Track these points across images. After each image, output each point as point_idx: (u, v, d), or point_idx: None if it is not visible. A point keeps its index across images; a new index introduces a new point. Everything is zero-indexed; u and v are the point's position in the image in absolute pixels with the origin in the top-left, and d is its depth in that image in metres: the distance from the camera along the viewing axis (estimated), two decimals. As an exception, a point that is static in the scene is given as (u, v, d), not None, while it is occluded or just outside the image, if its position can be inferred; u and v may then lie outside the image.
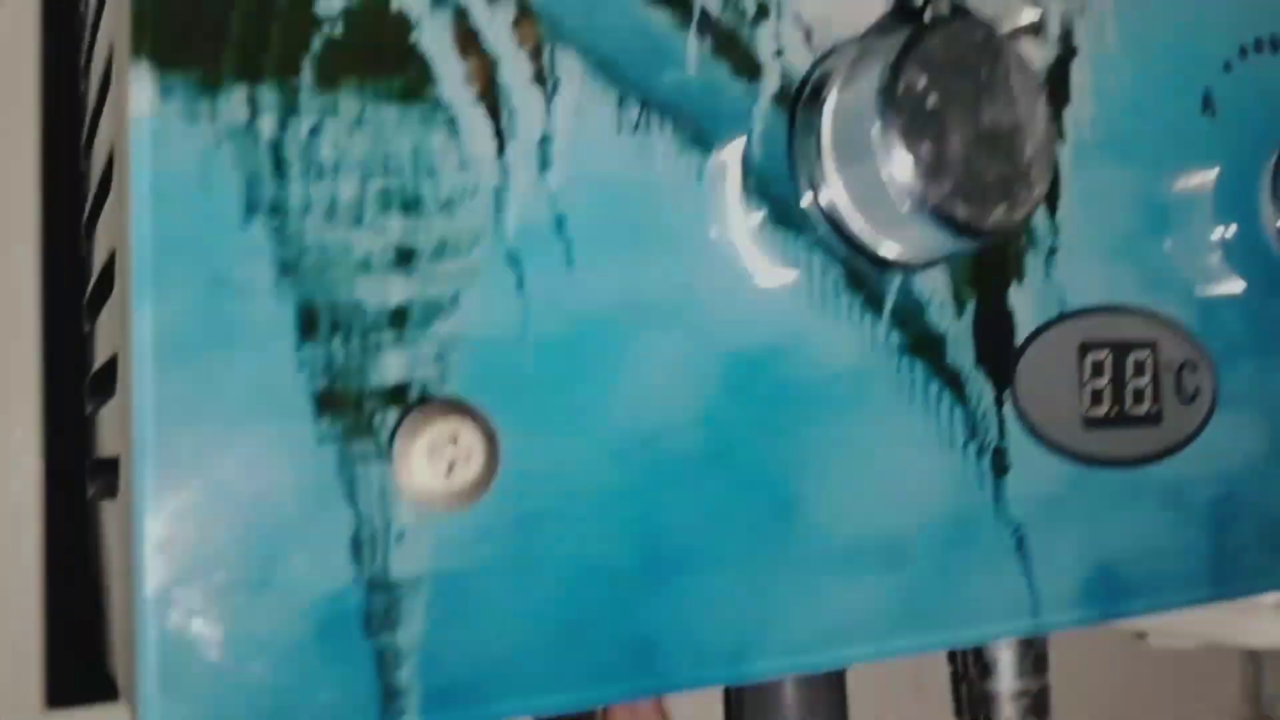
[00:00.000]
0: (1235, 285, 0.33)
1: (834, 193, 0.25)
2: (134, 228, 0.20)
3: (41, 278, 0.37)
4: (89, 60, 0.31)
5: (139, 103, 0.20)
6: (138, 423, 0.20)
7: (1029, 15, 0.30)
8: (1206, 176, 0.33)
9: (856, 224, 0.25)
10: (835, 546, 0.26)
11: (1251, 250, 0.34)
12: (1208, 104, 0.33)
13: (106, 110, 0.27)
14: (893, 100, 0.24)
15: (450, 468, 0.22)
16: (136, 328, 0.20)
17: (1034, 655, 0.43)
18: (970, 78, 0.24)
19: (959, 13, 0.28)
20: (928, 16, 0.27)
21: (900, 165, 0.24)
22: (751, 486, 0.25)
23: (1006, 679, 0.43)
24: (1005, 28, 0.29)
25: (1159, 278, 0.32)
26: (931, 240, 0.25)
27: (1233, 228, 0.33)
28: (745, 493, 0.25)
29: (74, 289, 0.34)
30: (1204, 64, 0.33)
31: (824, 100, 0.25)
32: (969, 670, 0.43)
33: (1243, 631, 0.43)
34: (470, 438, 0.22)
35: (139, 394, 0.20)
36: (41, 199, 0.37)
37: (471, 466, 0.22)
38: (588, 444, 0.24)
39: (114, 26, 0.23)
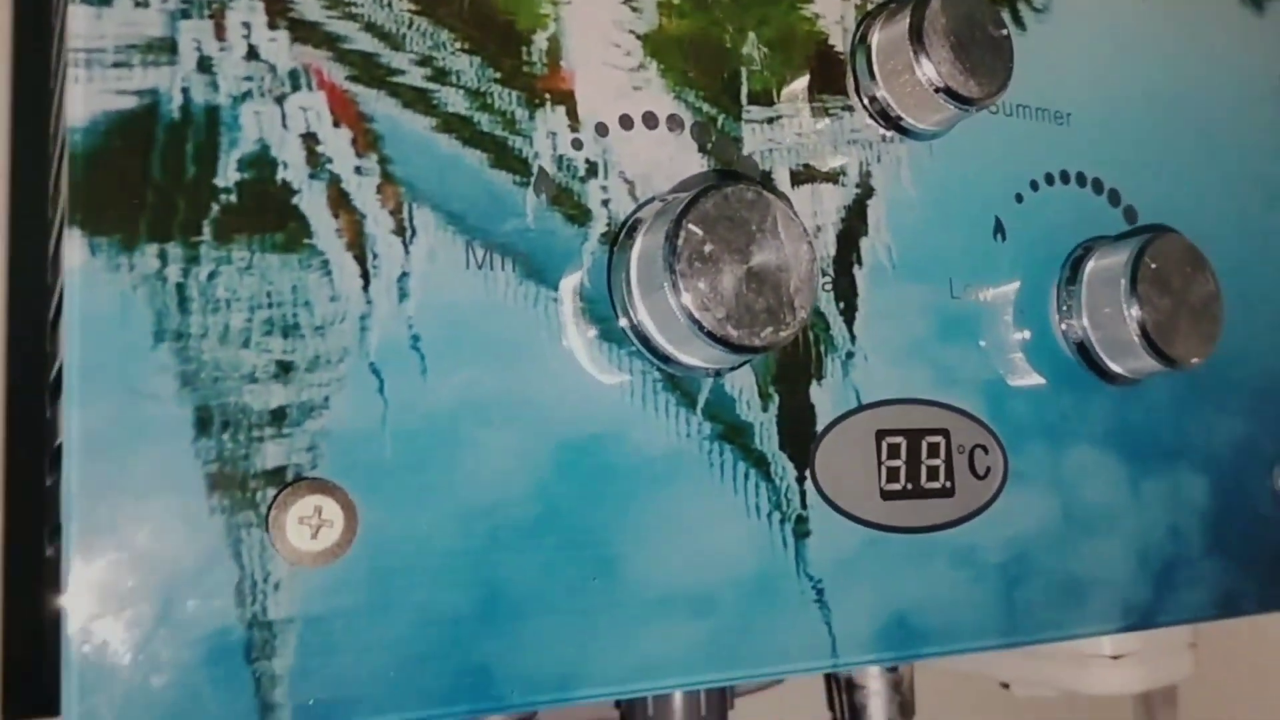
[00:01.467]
0: (1028, 380, 0.38)
1: (641, 316, 0.30)
2: (65, 352, 0.25)
3: (7, 373, 0.43)
4: (54, 198, 0.37)
5: (71, 258, 0.25)
6: (65, 496, 0.25)
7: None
8: (999, 290, 0.38)
9: (658, 341, 0.30)
10: (650, 597, 0.31)
11: (1042, 351, 0.38)
12: (999, 230, 0.38)
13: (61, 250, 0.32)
14: (675, 247, 0.29)
15: (316, 532, 0.27)
16: (66, 426, 0.25)
17: (899, 702, 0.47)
18: (742, 229, 0.29)
19: (735, 177, 0.33)
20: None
21: (683, 297, 0.29)
22: (576, 547, 0.30)
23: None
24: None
25: (953, 376, 0.37)
26: (714, 355, 0.30)
27: (1026, 331, 0.38)
28: (571, 552, 0.30)
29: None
30: (996, 196, 0.38)
31: (633, 243, 0.30)
32: (844, 714, 0.48)
33: (1083, 680, 0.47)
34: (332, 510, 0.27)
35: (67, 475, 0.25)
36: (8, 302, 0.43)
37: (333, 532, 0.27)
38: (435, 514, 0.29)
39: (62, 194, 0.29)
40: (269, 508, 0.27)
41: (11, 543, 0.42)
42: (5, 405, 0.43)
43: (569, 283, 0.31)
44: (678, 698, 0.45)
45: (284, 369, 0.27)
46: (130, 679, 0.25)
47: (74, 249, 0.26)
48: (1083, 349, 0.38)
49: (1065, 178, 0.40)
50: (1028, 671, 0.49)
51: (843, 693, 0.49)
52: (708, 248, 0.29)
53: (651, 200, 0.32)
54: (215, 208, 0.27)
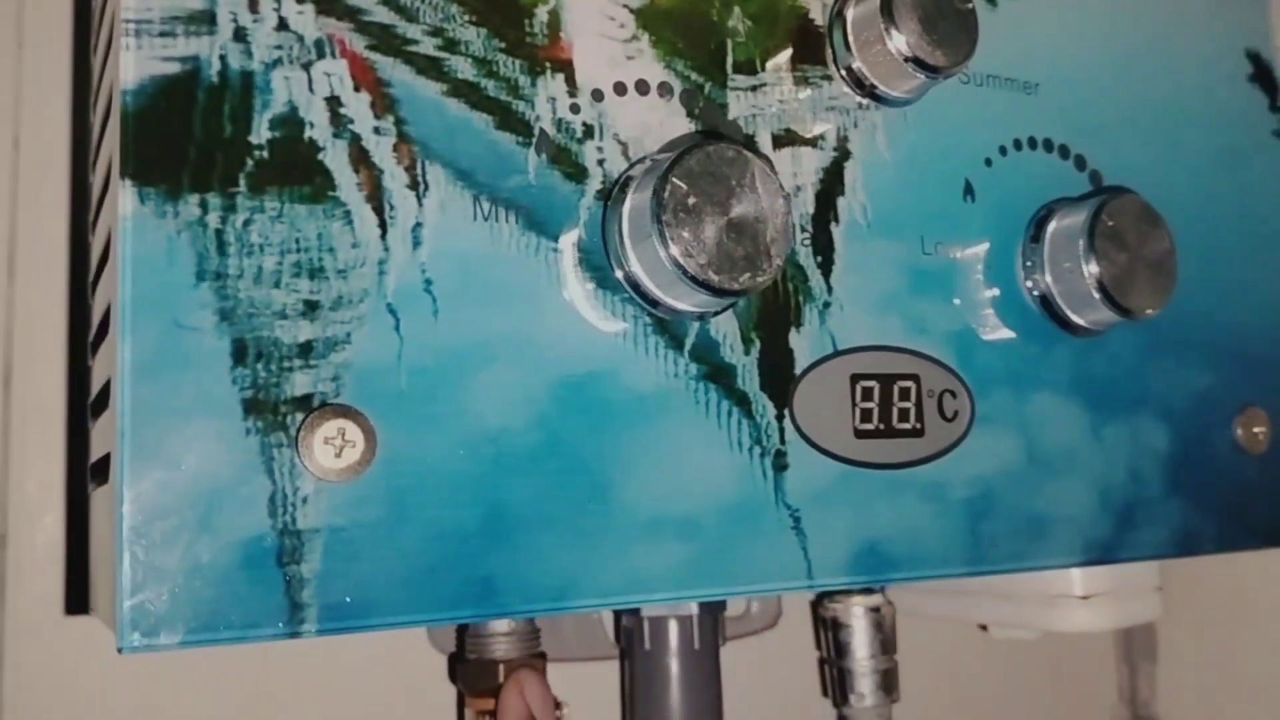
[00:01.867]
0: (996, 331, 0.41)
1: (632, 265, 0.34)
2: (119, 288, 0.29)
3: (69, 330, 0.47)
4: (95, 164, 0.40)
5: (124, 206, 0.29)
6: (119, 420, 0.28)
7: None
8: (967, 247, 0.41)
9: (648, 287, 0.34)
10: (640, 520, 0.34)
11: (1009, 305, 0.41)
12: (969, 192, 0.41)
13: (105, 205, 0.36)
14: (661, 200, 0.32)
15: (340, 452, 0.30)
16: (119, 356, 0.29)
17: (880, 640, 0.50)
18: (723, 184, 0.33)
19: (716, 136, 0.36)
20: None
21: (668, 245, 0.32)
22: (574, 473, 0.33)
23: (859, 658, 0.50)
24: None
25: (923, 326, 0.40)
26: (698, 299, 0.33)
27: (994, 287, 0.41)
28: (568, 477, 0.33)
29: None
30: (966, 160, 0.41)
31: (625, 198, 0.34)
32: (830, 653, 0.51)
33: (1054, 620, 0.50)
34: (354, 432, 0.30)
35: (121, 400, 0.28)
36: (70, 265, 0.47)
37: (355, 452, 0.30)
38: (445, 440, 0.32)
39: (110, 151, 0.32)
40: (298, 430, 0.30)
41: (76, 474, 0.46)
42: (68, 362, 0.46)
43: (567, 235, 0.34)
44: (673, 636, 0.48)
45: (311, 307, 0.31)
46: (175, 578, 0.28)
47: (125, 198, 0.29)
48: (1045, 302, 0.41)
49: (1033, 144, 0.43)
50: (1003, 613, 0.52)
51: (829, 631, 0.52)
52: (691, 200, 0.32)
53: (643, 160, 0.35)
54: (250, 162, 0.30)
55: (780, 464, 0.36)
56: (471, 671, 0.46)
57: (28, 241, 0.47)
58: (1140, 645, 0.68)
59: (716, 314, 0.35)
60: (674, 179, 0.32)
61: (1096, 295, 0.39)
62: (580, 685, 0.51)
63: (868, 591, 0.51)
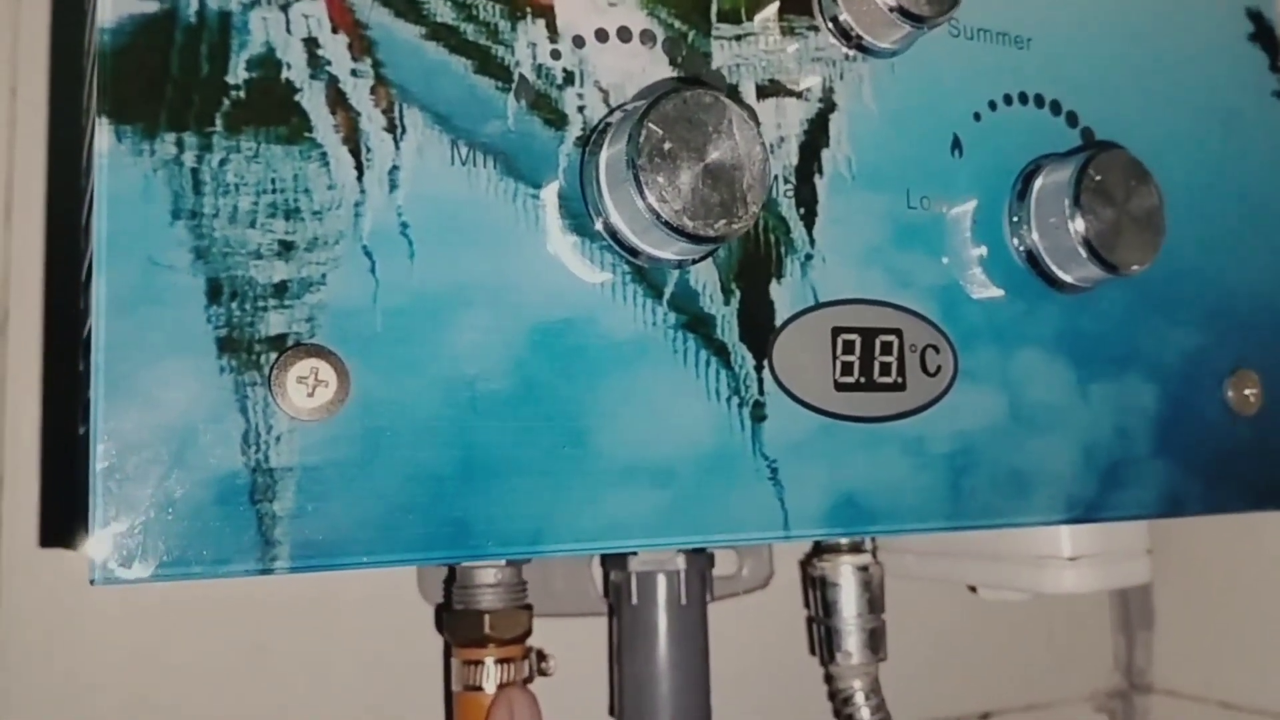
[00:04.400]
0: (982, 287, 0.41)
1: (609, 211, 0.34)
2: (95, 225, 0.29)
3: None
4: (88, 108, 0.41)
5: (101, 143, 0.29)
6: (95, 354, 0.29)
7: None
8: (954, 202, 0.41)
9: (625, 234, 0.34)
10: (616, 466, 0.35)
11: (996, 261, 0.41)
12: (956, 146, 0.41)
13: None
14: (636, 145, 0.32)
15: (313, 391, 0.31)
16: (95, 291, 0.29)
17: (868, 598, 0.50)
18: (699, 129, 0.33)
19: (697, 81, 0.36)
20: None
21: (644, 190, 0.32)
22: (549, 418, 0.34)
23: (847, 616, 0.50)
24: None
25: (907, 280, 0.40)
26: (674, 246, 0.34)
27: (981, 243, 0.41)
28: (544, 422, 0.34)
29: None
30: (955, 114, 0.41)
31: (603, 145, 0.34)
32: (818, 611, 0.51)
33: (1042, 580, 0.51)
34: (328, 372, 0.31)
35: (96, 336, 0.29)
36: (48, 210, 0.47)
37: (328, 391, 0.31)
38: (420, 382, 0.32)
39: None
40: (271, 368, 0.30)
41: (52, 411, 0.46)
42: (44, 299, 0.47)
43: (547, 182, 0.35)
44: (661, 591, 0.49)
45: (286, 248, 0.31)
46: (147, 512, 0.29)
47: (103, 136, 0.29)
48: (1032, 259, 0.41)
49: (1024, 99, 0.43)
50: (991, 574, 0.52)
51: (817, 590, 0.52)
52: (667, 146, 0.32)
53: (616, 109, 0.35)
54: (226, 102, 0.31)
55: (758, 414, 0.37)
56: (458, 621, 0.46)
57: (24, 189, 0.48)
58: (1137, 612, 0.69)
59: (695, 262, 0.36)
60: (649, 124, 0.32)
61: (1082, 251, 0.39)
62: (568, 640, 0.52)
63: (856, 550, 0.52)
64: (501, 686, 0.45)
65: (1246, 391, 0.46)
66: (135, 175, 0.30)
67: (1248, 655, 0.63)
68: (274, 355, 0.31)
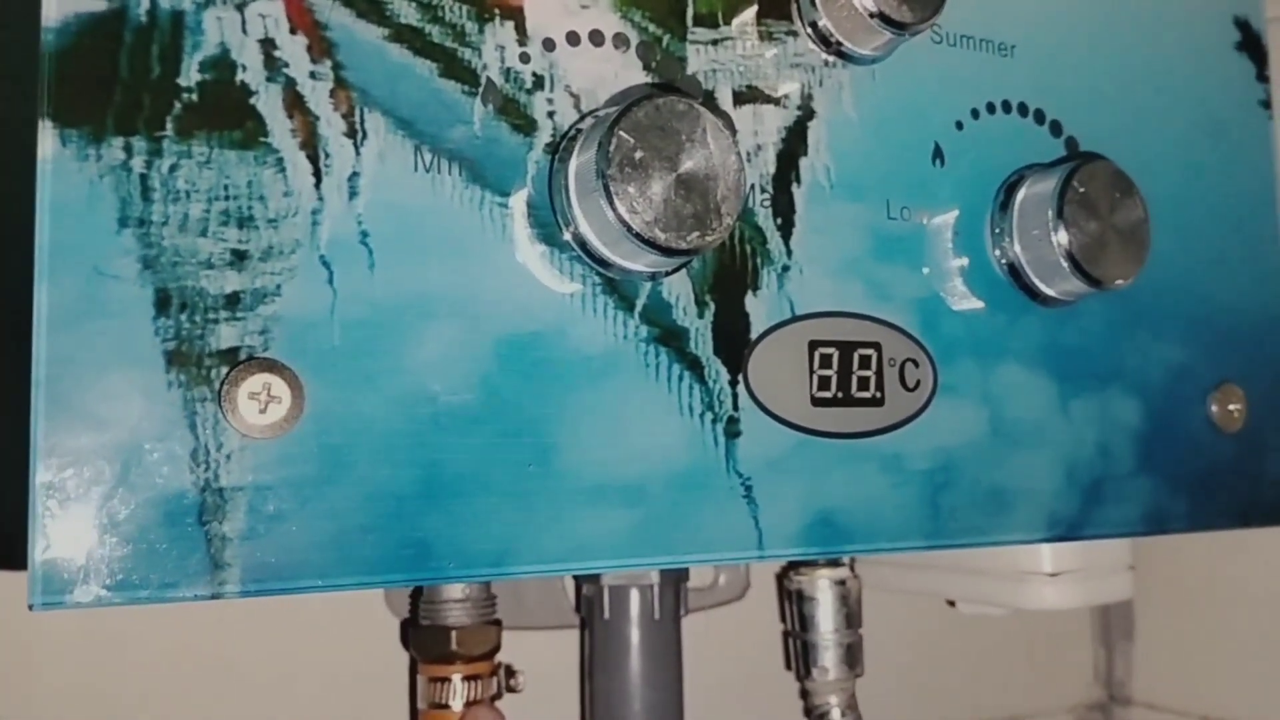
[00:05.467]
0: (963, 300, 0.40)
1: (579, 221, 0.33)
2: (37, 233, 0.28)
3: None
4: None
5: (44, 148, 0.28)
6: (36, 367, 0.27)
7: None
8: (935, 213, 0.40)
9: (595, 245, 0.33)
10: (584, 485, 0.33)
11: (977, 273, 0.40)
12: (938, 155, 0.40)
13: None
14: (607, 153, 0.31)
15: (265, 407, 0.29)
16: (37, 302, 0.28)
17: (846, 613, 0.49)
18: (673, 138, 0.32)
19: (668, 89, 0.35)
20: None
21: (614, 201, 0.31)
22: (515, 435, 0.33)
23: (824, 631, 0.49)
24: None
25: (886, 293, 0.39)
26: (645, 258, 0.32)
27: (963, 255, 0.40)
28: (509, 439, 0.32)
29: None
30: (936, 123, 0.40)
31: (572, 153, 0.33)
32: (794, 625, 0.50)
33: (1023, 597, 0.50)
34: (280, 387, 0.30)
35: (37, 349, 0.28)
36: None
37: (281, 408, 0.30)
38: (379, 397, 0.31)
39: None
40: (222, 383, 0.29)
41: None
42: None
43: (515, 190, 0.33)
44: (634, 605, 0.48)
45: (239, 257, 0.30)
46: (90, 534, 0.28)
47: (45, 140, 0.28)
48: (1014, 271, 0.40)
49: (1007, 107, 0.42)
50: (971, 589, 0.51)
51: (793, 604, 0.51)
52: (638, 154, 0.31)
53: (587, 115, 0.34)
54: (178, 105, 0.29)
55: (732, 431, 0.35)
56: (425, 637, 0.45)
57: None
58: (1117, 625, 0.68)
59: (668, 274, 0.34)
60: (620, 132, 0.31)
61: (1065, 264, 0.38)
62: (539, 654, 0.50)
63: (834, 564, 0.51)
64: (469, 704, 0.43)
65: (1231, 407, 0.45)
66: (80, 181, 0.28)
67: (1228, 667, 0.62)
68: (225, 370, 0.29)
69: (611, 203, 0.31)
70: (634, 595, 0.48)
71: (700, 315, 0.35)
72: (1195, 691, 0.64)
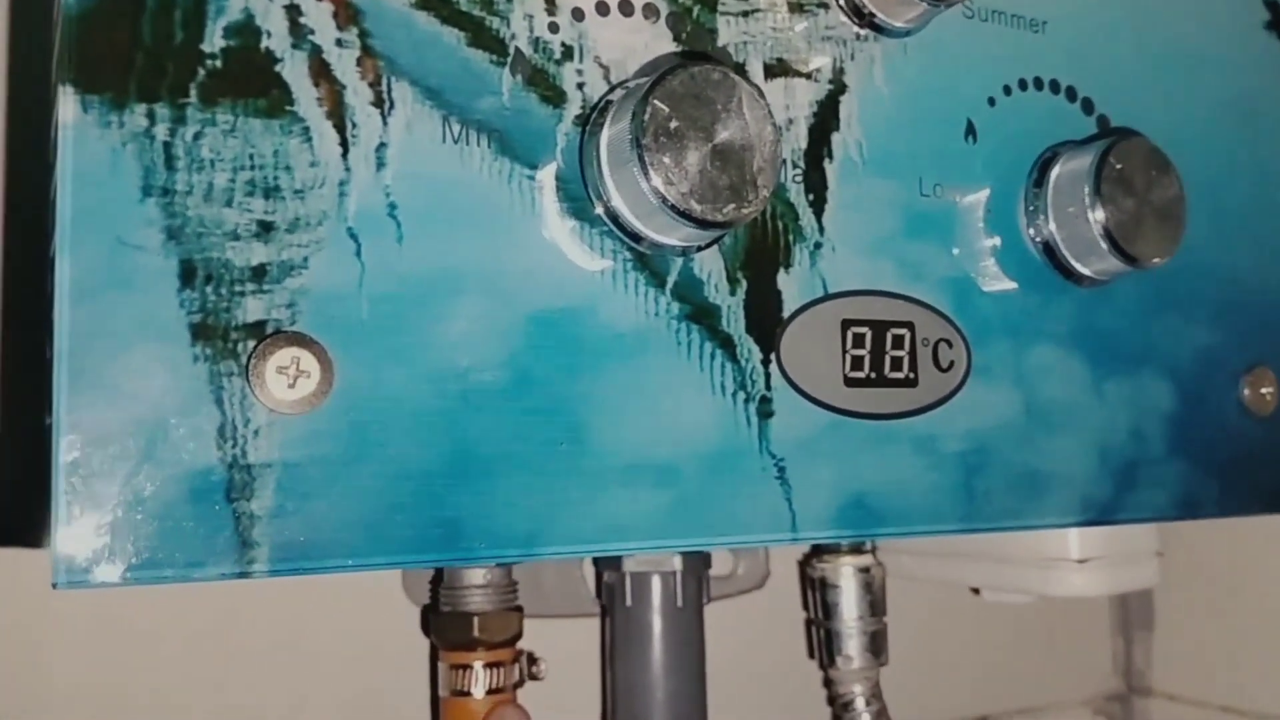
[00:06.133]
0: (996, 280, 0.39)
1: (611, 195, 0.32)
2: (58, 200, 0.27)
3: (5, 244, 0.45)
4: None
5: (65, 114, 0.27)
6: (57, 340, 0.27)
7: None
8: (968, 190, 0.39)
9: (627, 218, 0.32)
10: (615, 464, 0.32)
11: (1010, 252, 0.39)
12: (970, 132, 0.39)
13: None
14: (641, 123, 0.30)
15: (294, 382, 0.28)
16: (58, 273, 0.27)
17: (870, 601, 0.48)
18: (708, 107, 0.31)
19: (704, 57, 0.34)
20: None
21: (648, 172, 0.30)
22: (545, 413, 0.32)
23: (848, 619, 0.48)
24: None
25: (919, 271, 0.38)
26: (679, 231, 0.31)
27: (995, 234, 0.39)
28: (540, 417, 0.32)
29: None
30: (968, 98, 0.39)
31: (604, 124, 0.32)
32: (817, 613, 0.49)
33: (1050, 583, 0.49)
34: (309, 362, 0.29)
35: (59, 321, 0.27)
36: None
37: (310, 383, 0.29)
38: (409, 373, 0.30)
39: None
40: (249, 358, 0.28)
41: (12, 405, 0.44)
42: (3, 279, 0.45)
43: (544, 162, 0.32)
44: (656, 592, 0.47)
45: (265, 228, 0.29)
46: (115, 511, 0.27)
47: (67, 106, 0.27)
48: (1049, 250, 0.39)
49: (1039, 84, 0.41)
50: (996, 576, 0.50)
51: (817, 591, 0.50)
52: (673, 124, 0.30)
53: (624, 84, 0.33)
54: (201, 72, 0.28)
55: (765, 411, 0.35)
56: (445, 624, 0.44)
57: None
58: (1137, 614, 0.67)
59: (700, 249, 0.34)
60: (655, 101, 0.30)
61: (1103, 242, 0.37)
62: (559, 642, 0.49)
63: (857, 551, 0.50)
64: (491, 692, 0.43)
65: (1263, 390, 0.44)
66: (102, 149, 0.27)
67: (1249, 658, 0.61)
68: (252, 343, 0.28)
69: (646, 174, 0.30)
70: (656, 582, 0.47)
71: (732, 292, 0.34)
72: (1215, 682, 0.64)
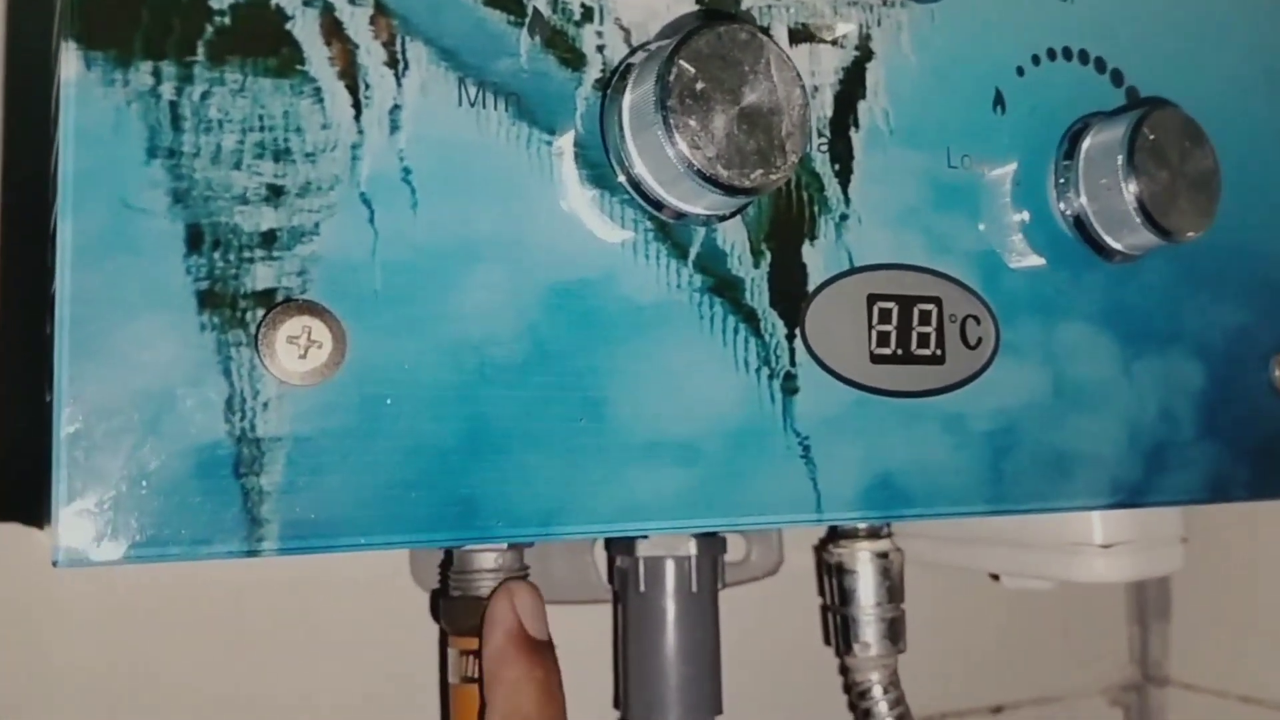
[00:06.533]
0: (1025, 254, 0.38)
1: (633, 160, 0.30)
2: (60, 161, 0.25)
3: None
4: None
5: (67, 72, 0.26)
6: (59, 307, 0.25)
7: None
8: (996, 162, 0.38)
9: (650, 185, 0.31)
10: (636, 441, 0.31)
11: (1040, 226, 0.38)
12: (999, 102, 0.38)
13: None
14: (666, 85, 0.29)
15: (305, 352, 0.27)
16: (60, 236, 0.25)
17: (888, 587, 0.47)
18: (734, 69, 0.29)
19: (729, 17, 0.33)
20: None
21: (674, 135, 0.29)
22: (564, 388, 0.30)
23: (865, 605, 0.47)
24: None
25: (946, 245, 0.37)
26: (704, 198, 0.30)
27: (1023, 209, 0.38)
28: (558, 392, 0.30)
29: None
30: (997, 67, 0.38)
31: (626, 88, 0.30)
32: (834, 599, 0.48)
33: (1073, 569, 0.48)
34: (321, 331, 0.27)
35: (61, 287, 0.25)
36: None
37: (322, 353, 0.27)
38: (423, 345, 0.29)
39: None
40: (258, 327, 0.27)
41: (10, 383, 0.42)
42: (3, 259, 0.43)
43: (563, 127, 0.31)
44: (670, 577, 0.46)
45: (275, 192, 0.28)
46: (119, 485, 0.26)
47: (70, 63, 0.26)
48: (1080, 224, 0.38)
49: (1068, 54, 0.40)
50: (1017, 562, 0.49)
51: (833, 577, 0.49)
52: (699, 86, 0.29)
53: (645, 46, 0.32)
54: (209, 29, 0.27)
55: (790, 387, 0.33)
56: (455, 609, 0.43)
57: None
58: (1153, 602, 0.66)
59: (724, 219, 0.32)
60: (681, 61, 0.29)
61: (1136, 215, 0.36)
62: (570, 629, 0.48)
63: (875, 536, 0.48)
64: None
65: (1295, 371, 0.43)
66: (106, 108, 0.26)
67: (1269, 648, 0.60)
68: (261, 312, 0.27)
69: (672, 137, 0.29)
70: (670, 567, 0.45)
71: (756, 265, 0.33)
72: (1233, 672, 0.63)
